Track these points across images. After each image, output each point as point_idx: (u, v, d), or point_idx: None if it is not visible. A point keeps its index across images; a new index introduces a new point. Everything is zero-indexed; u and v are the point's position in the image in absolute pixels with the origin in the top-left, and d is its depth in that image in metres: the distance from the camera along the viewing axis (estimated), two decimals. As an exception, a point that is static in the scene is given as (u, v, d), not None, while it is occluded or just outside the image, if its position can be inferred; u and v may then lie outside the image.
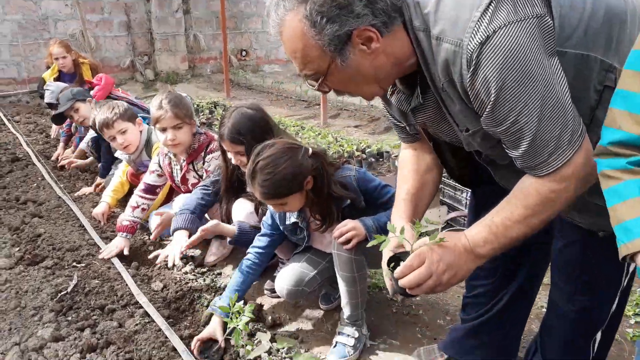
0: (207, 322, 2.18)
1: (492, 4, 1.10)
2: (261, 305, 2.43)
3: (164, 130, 2.78)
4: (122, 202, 3.53)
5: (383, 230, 1.81)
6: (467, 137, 1.32)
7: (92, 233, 3.16)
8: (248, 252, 2.26)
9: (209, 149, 2.91)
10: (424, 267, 1.26)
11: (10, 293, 2.47)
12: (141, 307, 2.35)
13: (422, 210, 1.58)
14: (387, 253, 1.41)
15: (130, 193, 3.38)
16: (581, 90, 1.19)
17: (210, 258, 2.90)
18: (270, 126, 2.40)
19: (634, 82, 1.01)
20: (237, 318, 2.00)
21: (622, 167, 1.02)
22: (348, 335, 2.07)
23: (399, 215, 1.54)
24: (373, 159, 4.72)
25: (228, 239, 2.49)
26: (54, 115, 4.43)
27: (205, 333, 2.08)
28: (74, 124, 4.71)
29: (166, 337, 2.11)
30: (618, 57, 1.19)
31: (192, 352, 2.01)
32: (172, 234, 2.59)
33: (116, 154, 3.63)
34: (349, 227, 1.95)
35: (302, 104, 8.07)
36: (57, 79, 5.33)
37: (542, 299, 2.33)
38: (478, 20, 1.10)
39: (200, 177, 2.94)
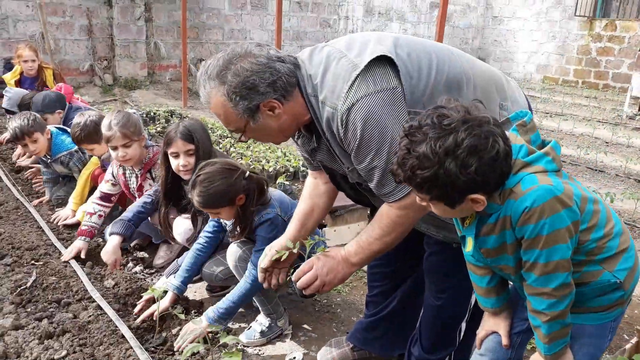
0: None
1: (357, 80, 1.57)
2: (201, 303, 2.81)
3: (115, 148, 3.11)
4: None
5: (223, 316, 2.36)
6: (349, 172, 1.78)
7: (50, 234, 3.43)
8: (200, 237, 2.65)
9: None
10: (312, 271, 1.74)
11: (-28, 287, 2.73)
12: (94, 301, 2.67)
13: (311, 226, 2.05)
14: (266, 262, 1.99)
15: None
16: None
17: (158, 260, 3.24)
18: (209, 135, 2.83)
19: None
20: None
21: (469, 260, 1.58)
22: (261, 324, 2.48)
23: (289, 232, 2.03)
24: (316, 174, 5.15)
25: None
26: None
27: (157, 309, 2.44)
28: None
29: (116, 327, 2.44)
30: None
31: (138, 339, 2.35)
32: (109, 236, 3.00)
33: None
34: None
35: (257, 117, 8.43)
36: (17, 82, 5.51)
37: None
38: (347, 91, 1.57)
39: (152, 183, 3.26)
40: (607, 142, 7.35)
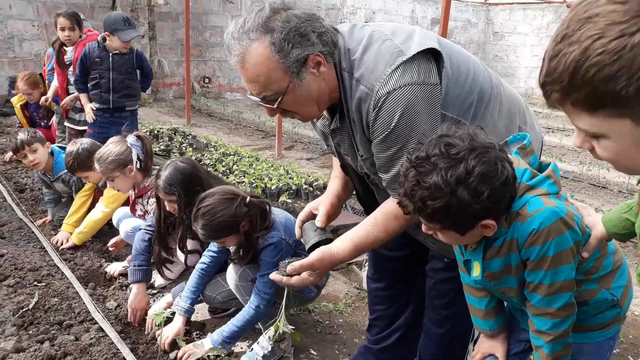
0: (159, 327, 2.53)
1: (401, 67, 1.51)
2: (203, 324, 2.80)
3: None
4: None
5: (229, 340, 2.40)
6: (361, 161, 1.73)
7: (53, 255, 3.44)
8: (204, 256, 2.63)
9: (152, 193, 3.16)
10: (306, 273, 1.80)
11: (-26, 309, 2.74)
12: (96, 323, 2.66)
13: (352, 186, 2.03)
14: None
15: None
16: None
17: (159, 282, 3.24)
18: (201, 178, 2.74)
19: None
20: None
21: (468, 283, 1.60)
22: (263, 347, 2.47)
23: (334, 189, 2.03)
24: (319, 192, 5.17)
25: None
26: None
27: (172, 334, 2.43)
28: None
29: (118, 349, 2.43)
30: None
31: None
32: (130, 286, 2.94)
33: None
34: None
35: (260, 134, 8.48)
36: (23, 106, 5.62)
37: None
38: (389, 75, 1.51)
39: (146, 211, 3.30)
40: (609, 158, 7.33)
